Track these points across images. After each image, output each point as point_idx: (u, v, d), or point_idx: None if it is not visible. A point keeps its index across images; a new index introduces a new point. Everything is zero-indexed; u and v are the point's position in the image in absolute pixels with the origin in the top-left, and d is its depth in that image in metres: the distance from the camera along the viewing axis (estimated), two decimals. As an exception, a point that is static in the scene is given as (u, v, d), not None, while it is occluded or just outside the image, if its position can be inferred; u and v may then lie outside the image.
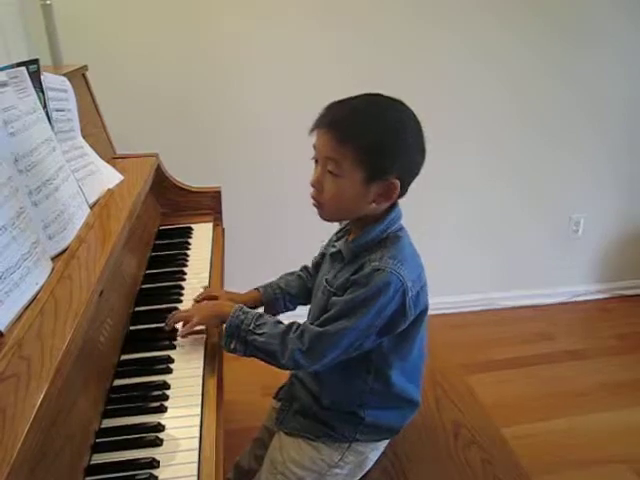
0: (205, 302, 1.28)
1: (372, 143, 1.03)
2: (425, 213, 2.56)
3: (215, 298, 1.31)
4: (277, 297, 1.34)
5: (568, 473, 1.90)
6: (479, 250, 2.78)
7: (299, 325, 1.12)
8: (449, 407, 1.48)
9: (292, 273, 1.39)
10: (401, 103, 1.09)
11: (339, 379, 1.16)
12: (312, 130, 1.08)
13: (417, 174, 1.10)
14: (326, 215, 1.13)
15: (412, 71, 2.37)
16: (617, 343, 2.64)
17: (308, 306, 1.30)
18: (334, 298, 1.10)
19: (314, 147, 1.09)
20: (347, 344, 1.06)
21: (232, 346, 1.13)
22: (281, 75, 2.26)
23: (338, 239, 1.22)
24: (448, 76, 2.42)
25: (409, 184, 1.10)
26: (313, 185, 1.10)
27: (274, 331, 1.11)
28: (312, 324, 1.10)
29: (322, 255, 1.30)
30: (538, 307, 2.88)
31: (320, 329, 1.07)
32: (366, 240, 1.10)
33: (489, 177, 2.65)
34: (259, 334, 1.11)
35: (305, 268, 1.39)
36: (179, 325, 1.21)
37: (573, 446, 2.02)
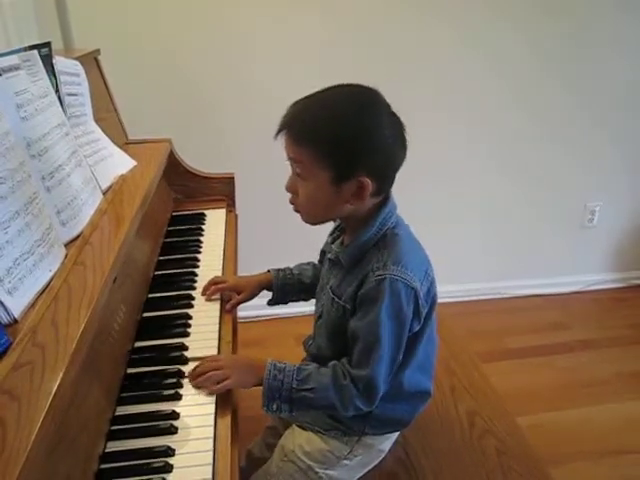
0: (234, 358, 1.16)
1: (328, 140, 0.97)
2: (438, 201, 2.54)
3: (224, 282, 1.32)
4: (288, 282, 1.32)
5: (583, 463, 1.89)
6: (493, 238, 2.75)
7: (342, 367, 1.06)
8: (464, 396, 1.47)
9: (307, 263, 1.36)
10: (369, 94, 1.02)
11: None
12: (277, 134, 1.02)
13: (397, 168, 1.04)
14: (306, 219, 1.09)
15: (422, 62, 2.31)
16: (632, 333, 2.61)
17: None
18: (353, 324, 1.05)
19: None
20: (389, 366, 1.04)
21: (274, 408, 1.05)
22: (296, 63, 2.23)
23: (334, 240, 1.18)
24: (456, 67, 2.36)
25: (388, 178, 1.04)
26: (287, 190, 1.07)
27: (323, 382, 1.05)
28: (350, 364, 1.05)
29: (322, 253, 1.27)
30: (552, 296, 2.85)
31: (365, 372, 1.03)
32: (362, 243, 1.05)
33: (503, 165, 2.61)
34: (307, 390, 1.04)
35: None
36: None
37: (588, 436, 2.00)
